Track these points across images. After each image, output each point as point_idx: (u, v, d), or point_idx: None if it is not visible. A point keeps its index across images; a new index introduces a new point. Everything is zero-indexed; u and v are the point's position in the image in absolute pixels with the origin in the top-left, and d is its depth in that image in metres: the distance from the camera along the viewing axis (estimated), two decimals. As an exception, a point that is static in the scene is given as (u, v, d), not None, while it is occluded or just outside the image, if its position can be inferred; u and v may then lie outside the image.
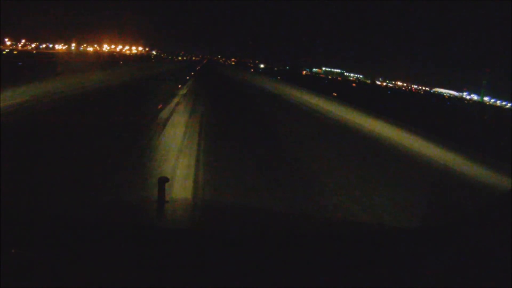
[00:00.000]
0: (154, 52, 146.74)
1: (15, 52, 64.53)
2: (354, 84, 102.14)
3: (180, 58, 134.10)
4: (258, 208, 4.12)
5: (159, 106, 12.67)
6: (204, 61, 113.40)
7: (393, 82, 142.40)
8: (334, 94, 30.85)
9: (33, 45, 79.96)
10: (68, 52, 78.72)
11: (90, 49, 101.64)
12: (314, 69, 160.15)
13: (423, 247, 1.58)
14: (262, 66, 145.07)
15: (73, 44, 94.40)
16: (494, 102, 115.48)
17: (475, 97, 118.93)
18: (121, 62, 52.86)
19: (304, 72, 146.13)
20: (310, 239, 1.71)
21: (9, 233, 1.33)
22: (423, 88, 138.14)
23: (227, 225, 2.05)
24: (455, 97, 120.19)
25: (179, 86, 21.55)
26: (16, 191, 4.91)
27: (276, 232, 1.91)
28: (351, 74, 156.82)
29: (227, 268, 1.34)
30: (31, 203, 2.48)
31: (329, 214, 5.23)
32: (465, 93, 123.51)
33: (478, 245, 1.44)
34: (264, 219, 2.33)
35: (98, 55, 79.78)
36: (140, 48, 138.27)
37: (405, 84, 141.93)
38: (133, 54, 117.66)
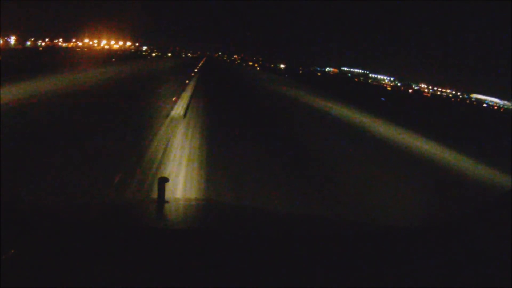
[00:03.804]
0: (145, 47, 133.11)
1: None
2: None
3: (155, 53, 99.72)
4: (258, 208, 4.13)
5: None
6: (202, 61, 75.91)
7: (419, 85, 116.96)
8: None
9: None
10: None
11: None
12: (328, 68, 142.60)
13: (423, 247, 1.58)
14: (282, 66, 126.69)
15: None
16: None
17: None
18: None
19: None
20: (309, 239, 1.71)
21: (9, 233, 1.33)
22: (451, 92, 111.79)
23: (227, 225, 2.05)
24: (486, 105, 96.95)
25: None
26: (16, 191, 4.92)
27: (276, 232, 1.91)
28: (380, 76, 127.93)
29: (227, 268, 1.34)
30: (31, 203, 2.48)
31: (330, 214, 5.25)
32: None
33: (478, 245, 1.43)
34: (264, 219, 2.33)
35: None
36: (129, 43, 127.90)
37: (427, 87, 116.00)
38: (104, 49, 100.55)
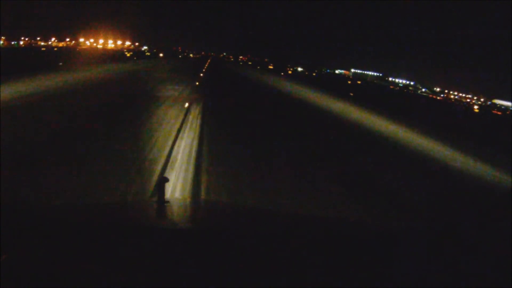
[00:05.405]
0: (145, 47, 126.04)
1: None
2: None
3: (130, 53, 74.43)
4: (258, 208, 4.13)
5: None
6: (207, 64, 62.20)
7: (432, 89, 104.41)
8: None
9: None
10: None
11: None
12: (339, 71, 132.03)
13: (423, 247, 1.58)
14: (300, 69, 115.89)
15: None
16: None
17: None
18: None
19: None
20: (309, 239, 1.71)
21: (9, 233, 1.33)
22: (467, 97, 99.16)
23: (227, 225, 2.06)
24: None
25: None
26: (16, 191, 4.92)
27: (276, 232, 1.91)
28: (398, 80, 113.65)
29: (227, 268, 1.34)
30: (32, 203, 2.48)
31: (330, 214, 5.25)
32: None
33: (478, 245, 1.44)
34: (264, 219, 2.34)
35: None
36: (128, 43, 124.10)
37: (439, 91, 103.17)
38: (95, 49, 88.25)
